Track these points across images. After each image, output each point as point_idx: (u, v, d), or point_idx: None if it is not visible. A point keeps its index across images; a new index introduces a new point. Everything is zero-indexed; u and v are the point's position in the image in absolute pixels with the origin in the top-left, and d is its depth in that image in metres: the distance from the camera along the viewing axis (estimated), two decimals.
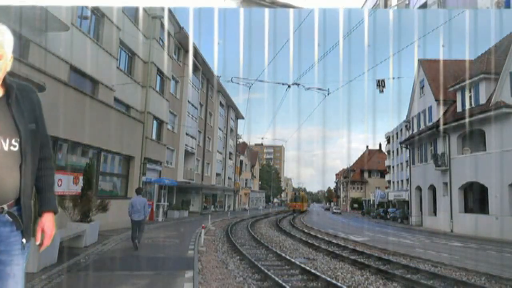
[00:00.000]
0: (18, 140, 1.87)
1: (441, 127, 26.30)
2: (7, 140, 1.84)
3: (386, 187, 65.46)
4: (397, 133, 57.34)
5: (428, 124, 30.27)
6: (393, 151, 61.53)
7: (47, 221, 2.01)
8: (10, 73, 1.95)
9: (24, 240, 1.90)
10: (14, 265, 1.86)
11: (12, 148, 1.85)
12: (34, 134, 1.96)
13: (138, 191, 11.08)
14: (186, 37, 29.00)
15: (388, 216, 41.56)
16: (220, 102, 45.43)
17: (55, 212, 2.08)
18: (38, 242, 1.99)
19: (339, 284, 7.30)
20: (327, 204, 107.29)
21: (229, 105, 50.65)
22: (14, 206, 1.88)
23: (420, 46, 25.59)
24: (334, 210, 68.23)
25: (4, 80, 1.94)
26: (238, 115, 56.66)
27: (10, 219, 1.86)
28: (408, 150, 37.33)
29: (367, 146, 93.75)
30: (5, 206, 1.84)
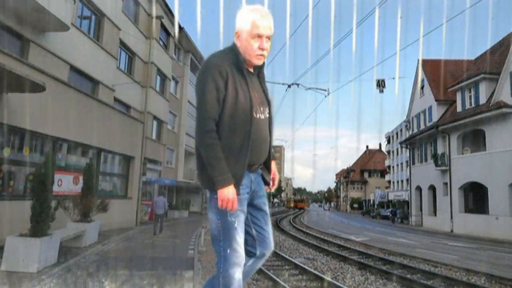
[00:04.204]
0: (268, 108, 2.26)
1: (441, 127, 26.28)
2: (266, 110, 2.23)
3: (386, 187, 65.43)
4: (397, 133, 57.30)
5: (428, 124, 30.22)
6: (393, 151, 61.50)
7: (274, 168, 2.46)
8: (10, 73, 1.93)
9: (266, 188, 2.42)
10: (267, 205, 2.38)
11: (267, 115, 2.23)
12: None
13: (160, 193, 15.97)
14: (186, 37, 29.03)
15: (396, 218, 38.52)
16: None
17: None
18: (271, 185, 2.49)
19: (339, 284, 7.29)
20: (326, 204, 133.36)
21: None
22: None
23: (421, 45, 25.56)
24: (325, 208, 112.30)
25: None
26: None
27: (261, 172, 2.33)
28: (408, 150, 37.28)
29: (367, 146, 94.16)
30: (261, 164, 2.29)
